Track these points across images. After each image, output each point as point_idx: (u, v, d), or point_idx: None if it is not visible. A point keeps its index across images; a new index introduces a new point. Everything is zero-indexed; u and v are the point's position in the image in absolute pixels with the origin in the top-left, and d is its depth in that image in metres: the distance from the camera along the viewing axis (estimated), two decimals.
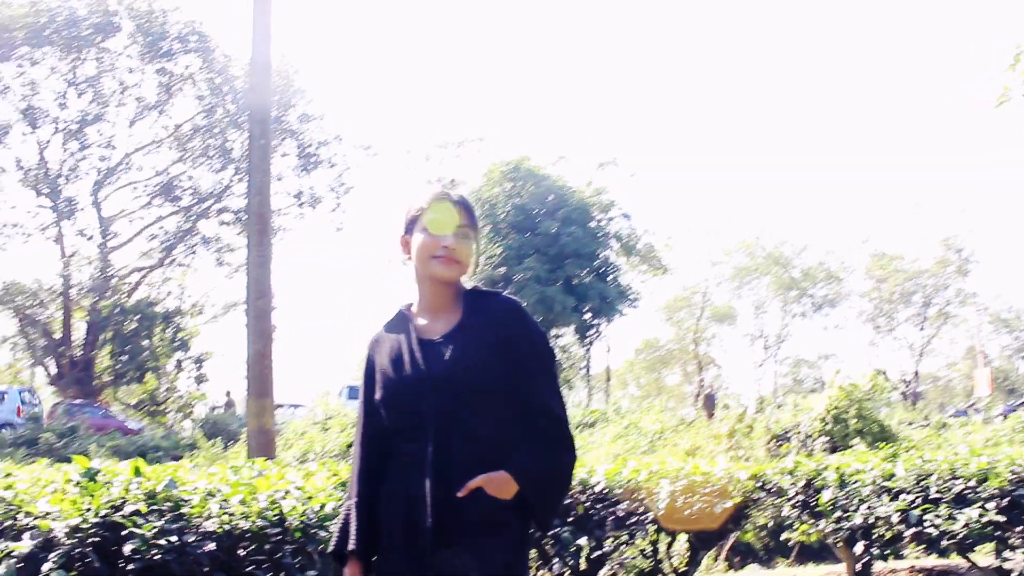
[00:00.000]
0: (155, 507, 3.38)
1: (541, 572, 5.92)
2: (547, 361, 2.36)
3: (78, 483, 3.51)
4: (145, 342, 36.77)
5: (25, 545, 3.16)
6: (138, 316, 36.35)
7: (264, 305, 8.63)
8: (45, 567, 3.10)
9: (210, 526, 3.38)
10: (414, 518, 2.17)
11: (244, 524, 3.50)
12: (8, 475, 4.91)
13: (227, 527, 3.42)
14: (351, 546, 2.26)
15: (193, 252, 36.50)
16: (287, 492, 3.90)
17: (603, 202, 38.08)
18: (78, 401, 31.00)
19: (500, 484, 2.17)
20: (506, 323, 2.31)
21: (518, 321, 2.33)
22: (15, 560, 3.13)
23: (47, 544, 3.17)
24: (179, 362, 39.18)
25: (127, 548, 3.12)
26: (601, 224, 37.83)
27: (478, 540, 2.15)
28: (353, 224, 64.32)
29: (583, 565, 5.82)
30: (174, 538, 3.22)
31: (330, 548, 2.33)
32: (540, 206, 36.17)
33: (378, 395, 2.33)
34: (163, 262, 36.41)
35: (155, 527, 3.19)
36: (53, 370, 35.48)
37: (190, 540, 3.26)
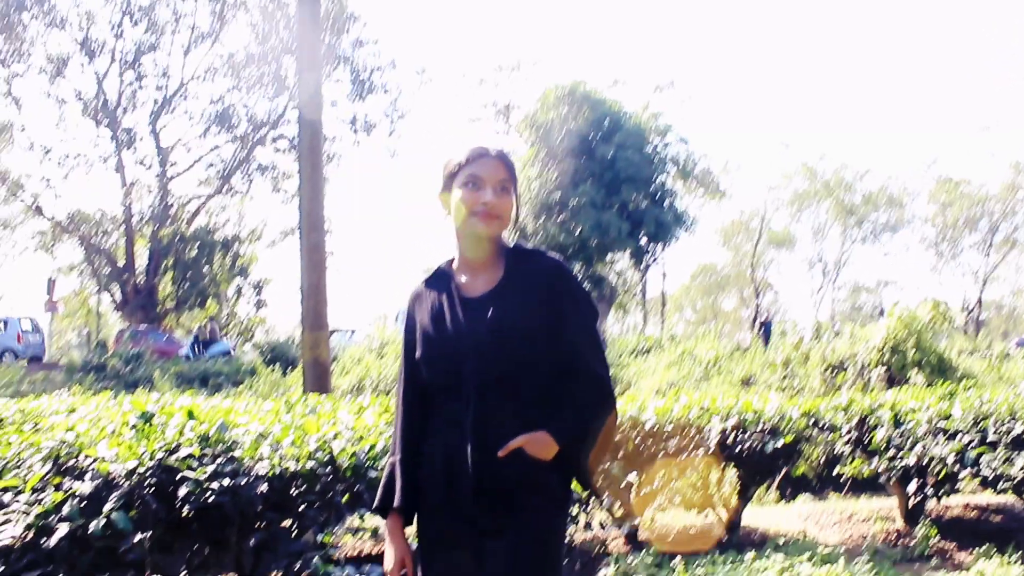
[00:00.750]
0: (208, 450, 3.46)
1: (593, 506, 5.98)
2: (589, 320, 2.33)
3: (135, 426, 3.61)
4: (205, 268, 37.52)
5: (87, 486, 3.27)
6: (198, 243, 37.03)
7: (317, 238, 8.68)
8: (106, 507, 3.21)
9: (262, 468, 3.45)
10: (454, 477, 2.19)
11: (294, 466, 3.56)
12: (72, 411, 5.07)
13: (278, 469, 3.49)
14: (396, 502, 2.28)
15: (250, 179, 36.87)
16: (337, 433, 3.96)
17: (659, 126, 37.38)
18: (142, 327, 31.85)
19: (541, 444, 2.16)
20: (549, 282, 2.28)
21: (561, 280, 2.29)
22: (79, 500, 3.24)
23: (107, 485, 3.27)
24: (239, 288, 39.99)
25: (182, 491, 3.20)
26: (657, 148, 37.19)
27: (518, 500, 2.16)
28: (408, 150, 64.25)
29: (633, 500, 5.87)
30: (227, 481, 3.29)
31: (375, 504, 2.35)
32: (596, 130, 35.66)
33: (419, 353, 2.32)
34: (221, 190, 36.85)
35: (208, 471, 3.27)
36: (118, 297, 36.41)
37: (242, 483, 3.33)
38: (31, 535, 3.22)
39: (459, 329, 2.26)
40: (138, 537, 3.29)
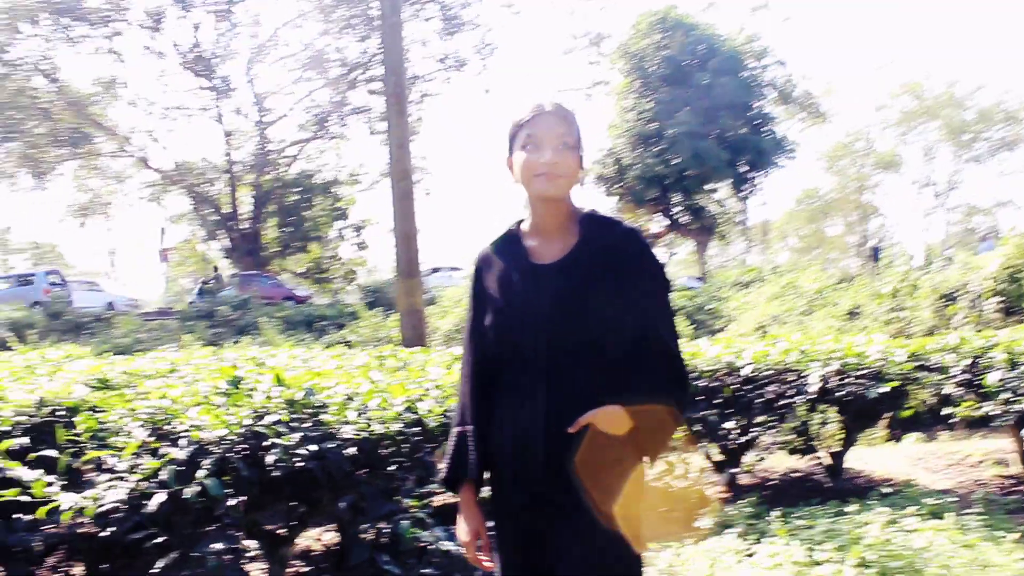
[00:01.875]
0: (296, 416, 3.49)
1: (690, 453, 5.89)
2: (664, 293, 2.23)
3: (225, 392, 3.66)
4: (307, 213, 38.29)
5: (182, 453, 3.34)
6: (298, 188, 37.76)
7: (407, 186, 8.68)
8: (200, 473, 3.27)
9: (348, 432, 3.46)
10: (525, 452, 2.12)
11: (381, 429, 3.57)
12: (172, 371, 5.21)
13: (365, 433, 3.50)
14: (468, 474, 2.23)
15: (344, 123, 37.22)
16: (423, 394, 3.95)
17: (756, 50, 36.16)
18: (250, 272, 32.81)
19: (612, 420, 2.08)
20: (623, 251, 2.17)
21: (636, 250, 2.18)
22: (174, 466, 3.31)
23: (200, 451, 3.33)
24: (340, 231, 40.71)
25: (270, 457, 3.24)
26: (755, 73, 36.03)
27: None
28: (499, 85, 63.77)
29: (731, 447, 5.75)
30: (314, 446, 3.31)
31: (443, 475, 2.31)
32: (691, 57, 34.73)
33: (487, 320, 2.25)
34: (317, 134, 37.34)
35: (294, 438, 3.29)
36: (226, 243, 37.53)
37: (330, 447, 3.35)
38: (133, 499, 3.33)
39: (528, 298, 2.17)
40: (232, 502, 3.37)
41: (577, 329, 2.11)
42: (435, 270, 36.70)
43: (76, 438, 3.80)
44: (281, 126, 37.54)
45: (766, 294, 17.54)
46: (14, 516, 3.82)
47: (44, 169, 36.26)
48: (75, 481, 3.77)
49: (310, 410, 3.58)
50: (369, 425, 3.57)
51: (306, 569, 4.66)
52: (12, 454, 3.63)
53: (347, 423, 3.51)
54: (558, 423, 2.08)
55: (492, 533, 2.25)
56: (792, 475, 6.31)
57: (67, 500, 3.35)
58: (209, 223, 37.91)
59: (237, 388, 3.67)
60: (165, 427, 3.46)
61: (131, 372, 5.09)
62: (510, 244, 2.29)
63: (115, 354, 16.33)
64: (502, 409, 2.19)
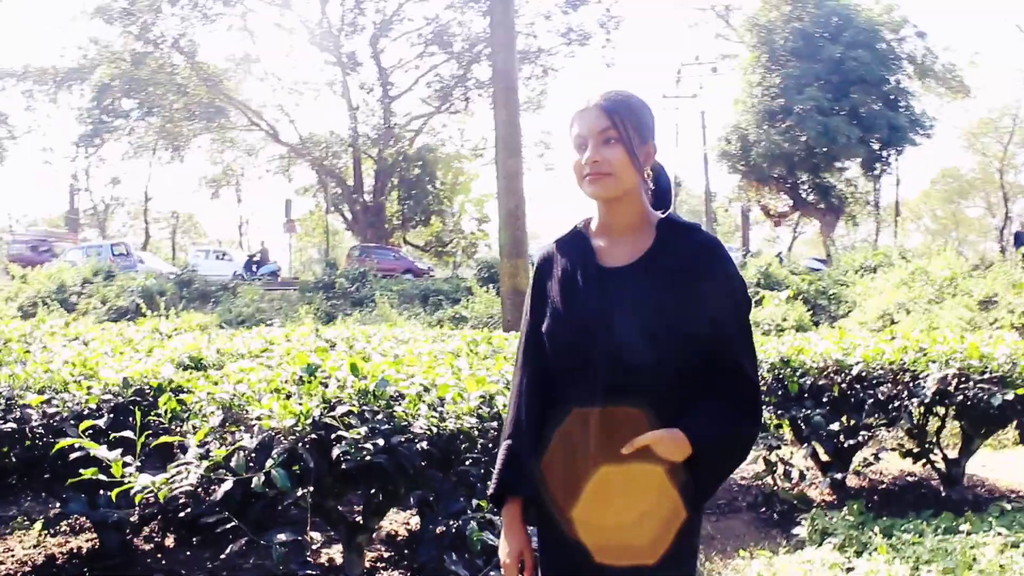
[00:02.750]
0: (367, 407, 3.40)
1: (795, 452, 5.60)
2: (743, 312, 2.02)
3: (301, 379, 3.61)
4: (429, 187, 38.73)
5: (251, 441, 3.30)
6: (420, 162, 38.21)
7: (514, 165, 8.54)
8: (268, 463, 3.23)
9: (420, 427, 3.36)
10: (576, 471, 1.95)
11: (454, 424, 3.45)
12: (266, 349, 5.23)
13: (436, 427, 3.39)
14: (514, 491, 2.08)
15: (467, 97, 37.37)
16: (503, 387, 3.81)
17: (893, 20, 34.39)
18: (371, 244, 33.44)
19: (671, 445, 1.89)
20: (701, 263, 1.98)
21: (715, 262, 1.99)
22: (244, 453, 3.28)
23: (270, 440, 3.28)
24: (462, 204, 41.06)
25: (336, 450, 3.16)
26: (891, 45, 34.30)
27: None
28: (624, 59, 62.69)
29: (839, 447, 5.43)
30: (381, 441, 3.22)
31: (490, 491, 2.15)
32: (822, 29, 33.33)
33: (545, 326, 2.08)
34: (440, 108, 37.61)
35: (362, 432, 3.20)
36: (349, 216, 38.35)
37: (400, 440, 3.25)
38: (204, 484, 3.31)
39: (592, 303, 1.99)
40: (300, 492, 3.32)
41: (642, 343, 1.91)
42: None
43: (159, 419, 3.83)
44: (405, 100, 38.02)
45: (893, 280, 16.70)
46: (100, 492, 3.90)
47: (180, 142, 37.81)
48: (156, 463, 3.80)
49: (383, 401, 3.49)
50: (443, 419, 3.46)
51: (386, 554, 4.63)
52: (98, 432, 3.67)
53: (419, 417, 3.40)
54: (613, 443, 1.90)
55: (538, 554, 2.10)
56: (905, 480, 5.94)
57: (142, 481, 3.36)
58: (333, 195, 38.80)
59: (313, 376, 3.61)
60: (239, 413, 3.43)
61: (224, 351, 5.13)
62: (576, 243, 2.11)
63: (238, 324, 16.85)
64: (556, 424, 2.02)
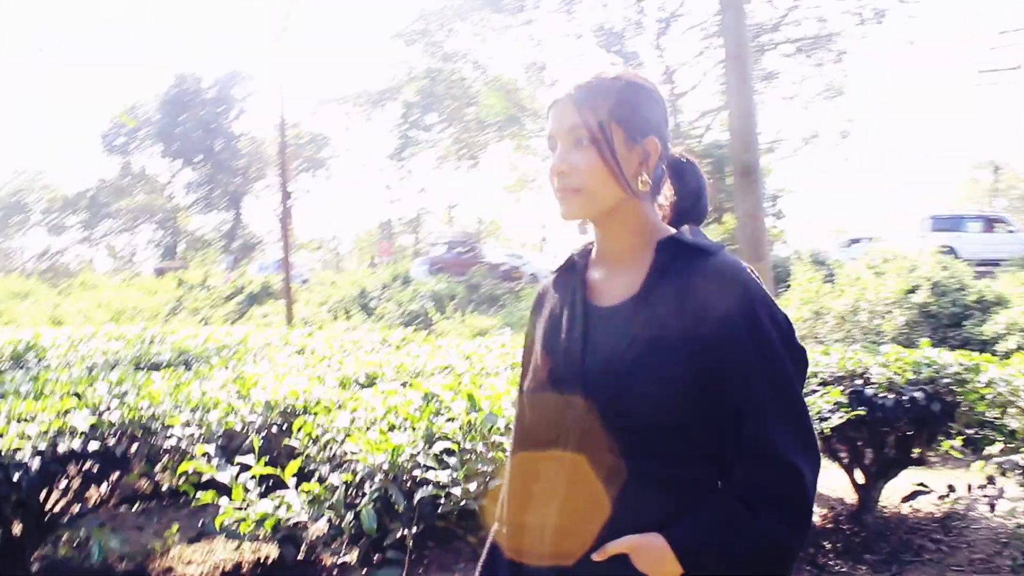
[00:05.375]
0: (470, 444, 3.09)
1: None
2: (778, 366, 1.42)
3: (418, 408, 3.37)
4: (720, 183, 37.62)
5: (344, 478, 3.11)
6: (710, 159, 37.18)
7: (750, 159, 7.81)
8: (362, 501, 3.02)
9: None
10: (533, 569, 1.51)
11: None
12: (446, 368, 5.05)
13: None
14: None
15: (756, 90, 35.94)
16: None
17: None
18: None
19: (653, 557, 1.39)
20: (713, 300, 1.42)
21: (730, 297, 1.42)
22: (343, 490, 3.10)
23: (362, 480, 3.08)
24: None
25: (417, 495, 2.88)
26: None
27: None
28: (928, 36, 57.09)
29: None
30: (472, 486, 2.89)
31: None
32: None
33: (525, 382, 1.65)
34: (727, 104, 36.46)
35: (442, 476, 2.88)
36: None
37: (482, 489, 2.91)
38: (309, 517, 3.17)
39: (572, 354, 1.53)
40: (400, 533, 3.07)
41: (628, 408, 1.43)
42: (854, 241, 34.18)
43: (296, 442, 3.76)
44: (690, 97, 37.31)
45: None
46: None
47: (476, 152, 39.63)
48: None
49: (496, 437, 3.15)
50: None
51: None
52: (232, 453, 3.64)
53: None
54: (573, 540, 1.45)
55: None
56: None
57: (260, 508, 3.26)
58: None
59: (427, 405, 3.36)
60: (334, 447, 3.26)
61: (402, 368, 5.00)
62: (569, 275, 1.65)
63: (519, 327, 17.11)
64: (533, 508, 1.56)
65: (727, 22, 7.89)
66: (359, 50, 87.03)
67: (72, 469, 4.01)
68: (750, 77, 8.03)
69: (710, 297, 1.42)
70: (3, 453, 3.54)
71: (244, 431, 3.86)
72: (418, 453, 3.00)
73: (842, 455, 5.19)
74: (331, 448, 3.32)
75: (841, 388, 4.51)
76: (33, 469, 3.56)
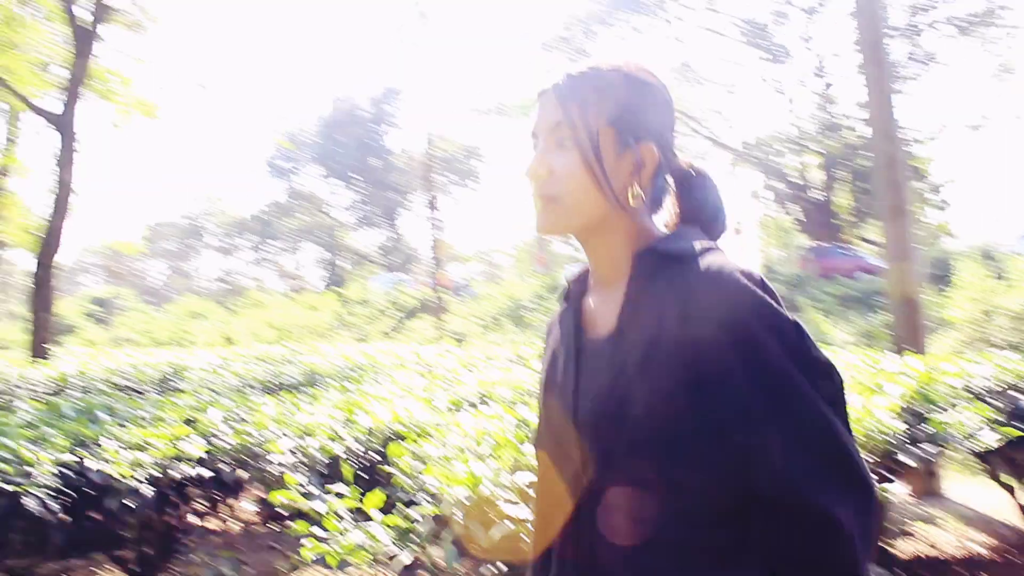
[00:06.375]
0: None
1: None
2: (783, 382, 1.14)
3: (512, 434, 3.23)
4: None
5: (420, 511, 3.00)
6: (868, 152, 35.67)
7: (892, 150, 7.29)
8: (444, 535, 2.91)
9: None
10: None
11: None
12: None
13: None
14: None
15: (909, 76, 34.29)
16: None
17: None
18: (824, 244, 31.79)
19: None
20: (694, 318, 1.17)
21: (726, 316, 1.15)
22: (421, 526, 2.99)
23: (441, 516, 2.96)
24: (919, 192, 37.59)
25: (496, 531, 2.72)
26: None
27: None
28: None
29: None
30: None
31: None
32: None
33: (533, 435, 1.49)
34: (868, 93, 34.89)
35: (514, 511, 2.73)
36: (800, 216, 36.99)
37: None
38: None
39: (565, 398, 1.32)
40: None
41: (620, 461, 1.21)
42: None
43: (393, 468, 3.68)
44: (844, 88, 35.97)
45: None
46: None
47: None
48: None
49: None
50: None
51: None
52: (335, 480, 3.60)
53: None
54: None
55: None
56: None
57: (352, 539, 3.20)
58: (781, 195, 37.75)
59: (518, 431, 3.21)
60: (413, 479, 3.16)
61: (517, 387, 4.82)
62: (570, 304, 1.45)
63: None
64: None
65: (860, 4, 7.37)
66: (507, 60, 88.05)
67: (188, 492, 4.09)
68: (883, 62, 7.47)
69: (690, 315, 1.17)
70: (118, 479, 3.62)
71: (347, 457, 3.81)
72: (501, 486, 2.84)
73: (1004, 479, 4.66)
74: (419, 478, 3.21)
75: (998, 402, 4.00)
76: (146, 494, 3.63)
